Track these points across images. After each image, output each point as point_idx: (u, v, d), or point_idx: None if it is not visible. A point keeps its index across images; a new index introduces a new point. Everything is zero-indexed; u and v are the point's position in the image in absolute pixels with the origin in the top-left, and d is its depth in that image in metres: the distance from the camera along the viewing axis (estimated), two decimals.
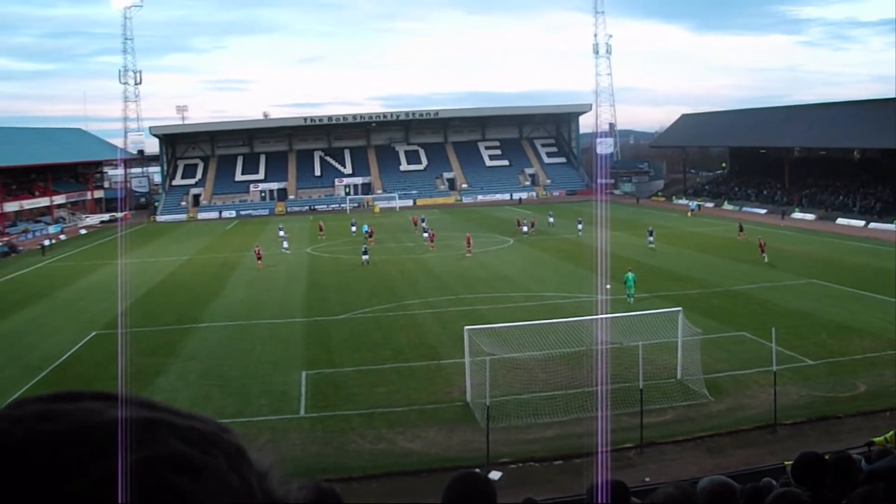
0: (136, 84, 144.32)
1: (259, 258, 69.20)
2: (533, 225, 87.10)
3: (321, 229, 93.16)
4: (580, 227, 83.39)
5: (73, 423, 1.08)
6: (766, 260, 61.72)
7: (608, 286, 46.96)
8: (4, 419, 1.09)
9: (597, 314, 37.12)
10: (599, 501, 6.05)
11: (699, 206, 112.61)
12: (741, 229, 76.25)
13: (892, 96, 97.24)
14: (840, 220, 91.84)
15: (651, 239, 71.81)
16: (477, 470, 19.16)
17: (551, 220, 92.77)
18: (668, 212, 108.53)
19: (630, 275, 48.77)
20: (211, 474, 1.09)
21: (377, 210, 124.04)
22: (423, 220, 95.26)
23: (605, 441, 23.14)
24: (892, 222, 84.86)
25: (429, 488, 22.40)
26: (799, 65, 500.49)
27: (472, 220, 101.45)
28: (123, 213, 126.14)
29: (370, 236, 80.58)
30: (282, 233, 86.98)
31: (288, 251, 77.18)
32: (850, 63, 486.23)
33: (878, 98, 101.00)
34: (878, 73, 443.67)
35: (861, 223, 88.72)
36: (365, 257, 67.55)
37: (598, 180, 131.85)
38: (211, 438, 1.16)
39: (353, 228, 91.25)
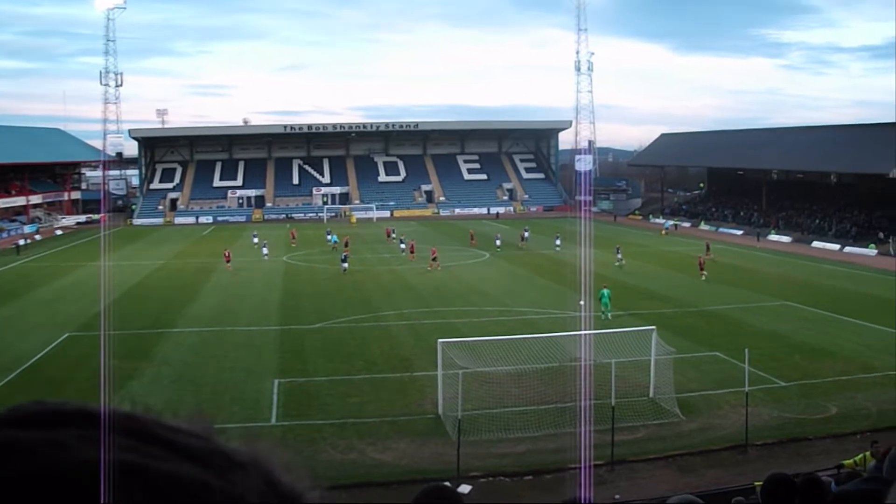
0: (116, 86, 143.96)
1: (228, 261, 70.61)
2: (523, 238, 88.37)
3: (293, 237, 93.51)
4: (558, 243, 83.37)
5: (29, 465, 0.93)
6: (703, 278, 63.27)
7: (581, 302, 47.06)
8: None
9: (571, 331, 37.18)
10: None
11: (675, 225, 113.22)
12: (708, 249, 76.42)
13: (871, 121, 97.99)
14: (816, 244, 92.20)
15: (619, 256, 72.06)
16: (446, 483, 19.17)
17: (527, 234, 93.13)
18: (645, 230, 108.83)
19: (605, 291, 49.10)
20: None
21: (354, 220, 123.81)
22: (392, 232, 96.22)
23: (588, 457, 23.21)
24: (867, 246, 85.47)
25: (398, 500, 22.38)
26: (779, 88, 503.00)
27: (448, 234, 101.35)
28: (100, 216, 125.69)
29: (346, 245, 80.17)
30: (256, 240, 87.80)
31: (267, 258, 77.40)
32: (829, 88, 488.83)
33: (857, 123, 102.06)
34: (857, 98, 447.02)
35: (836, 247, 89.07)
36: (344, 265, 67.86)
37: (581, 197, 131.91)
38: (196, 492, 0.97)
39: (329, 237, 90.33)
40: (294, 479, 1.07)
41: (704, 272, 64.14)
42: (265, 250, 79.89)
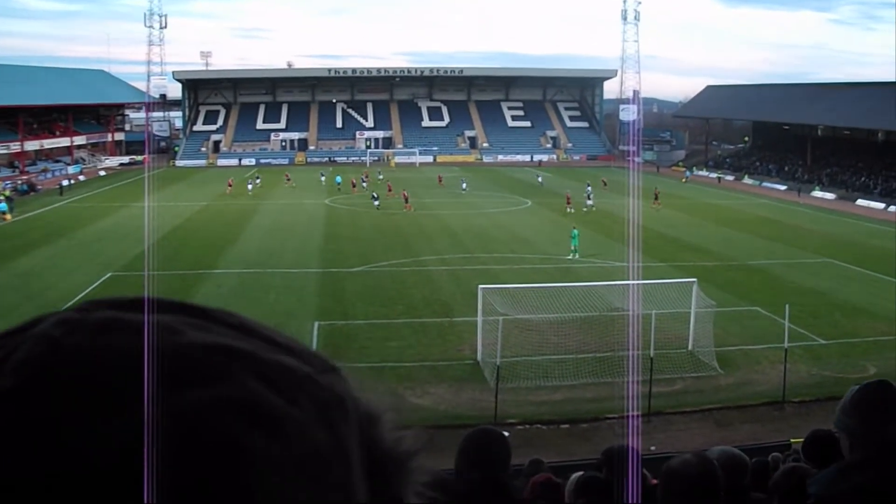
0: (161, 28, 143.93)
1: (230, 185, 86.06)
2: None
3: (287, 179, 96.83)
4: (590, 200, 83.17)
5: (136, 342, 0.88)
6: (570, 211, 69.92)
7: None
8: (64, 323, 0.91)
9: (612, 280, 37.14)
10: (630, 465, 6.12)
11: (719, 178, 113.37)
12: (657, 198, 76.98)
13: None
14: (860, 202, 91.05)
15: (590, 202, 74.33)
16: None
17: (540, 180, 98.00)
18: (689, 183, 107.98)
19: (575, 231, 51.38)
20: (290, 429, 0.88)
21: (393, 164, 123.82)
22: (379, 175, 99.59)
23: (636, 406, 23.27)
24: None
25: (436, 445, 22.47)
26: (827, 43, 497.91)
27: (492, 179, 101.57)
28: (143, 157, 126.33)
29: (353, 187, 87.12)
30: (256, 181, 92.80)
31: (251, 192, 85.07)
32: (879, 44, 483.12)
33: None
34: None
35: (881, 205, 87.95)
36: (376, 202, 72.84)
37: (625, 147, 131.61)
38: (302, 382, 0.94)
39: (332, 178, 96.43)
40: (372, 400, 1.05)
41: (570, 207, 70.82)
42: (249, 186, 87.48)
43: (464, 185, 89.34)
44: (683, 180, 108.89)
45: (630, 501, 5.11)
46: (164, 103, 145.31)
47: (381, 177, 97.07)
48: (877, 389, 3.82)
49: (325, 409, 0.95)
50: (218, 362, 0.90)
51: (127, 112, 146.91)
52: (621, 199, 76.01)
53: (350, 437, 0.96)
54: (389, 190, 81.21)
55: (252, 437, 0.85)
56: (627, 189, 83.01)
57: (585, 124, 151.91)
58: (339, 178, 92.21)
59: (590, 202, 73.49)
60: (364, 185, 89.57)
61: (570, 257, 49.97)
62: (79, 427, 0.81)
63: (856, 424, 3.78)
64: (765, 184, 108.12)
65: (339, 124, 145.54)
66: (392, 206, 73.08)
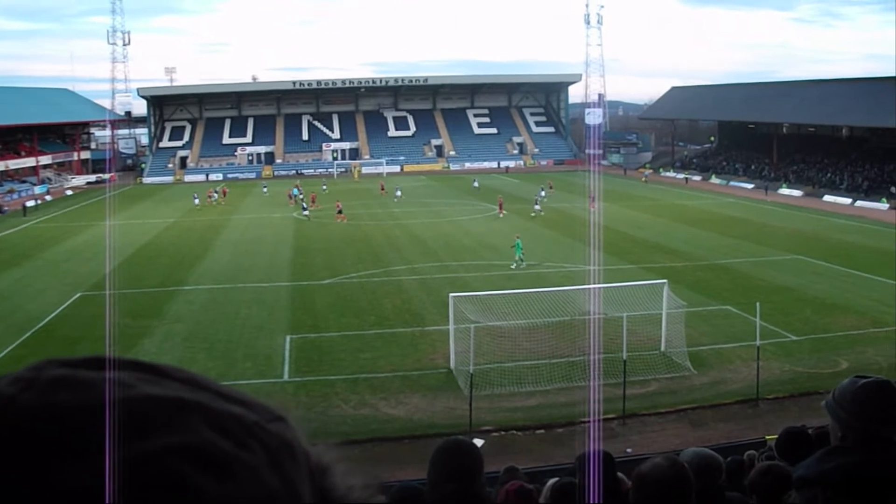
0: (124, 45, 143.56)
1: (210, 196, 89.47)
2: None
3: (224, 194, 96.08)
4: (539, 205, 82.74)
5: (90, 396, 0.93)
6: (501, 216, 72.42)
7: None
8: (18, 381, 0.95)
9: (582, 284, 37.15)
10: (590, 470, 6.09)
11: (686, 178, 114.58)
12: (593, 200, 76.85)
13: (882, 75, 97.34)
14: (827, 198, 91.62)
15: (537, 208, 74.93)
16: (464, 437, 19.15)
17: (476, 185, 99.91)
18: (655, 184, 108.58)
19: (518, 241, 50.58)
20: (242, 472, 0.93)
21: (357, 175, 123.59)
22: (323, 187, 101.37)
23: (598, 410, 23.28)
24: (879, 201, 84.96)
25: (411, 454, 22.42)
26: (790, 41, 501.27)
27: (458, 187, 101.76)
28: (110, 175, 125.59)
29: (290, 199, 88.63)
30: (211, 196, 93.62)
31: (197, 206, 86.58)
32: (840, 41, 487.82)
33: (868, 77, 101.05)
34: (868, 51, 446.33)
35: (848, 201, 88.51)
36: (305, 213, 75.58)
37: (591, 151, 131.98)
38: (252, 429, 0.99)
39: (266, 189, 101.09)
40: (321, 450, 1.09)
41: (503, 211, 73.09)
42: (196, 200, 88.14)
43: (398, 194, 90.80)
44: (643, 180, 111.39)
45: None
46: (130, 120, 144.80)
47: (324, 188, 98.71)
48: (878, 389, 3.83)
49: (275, 454, 0.98)
50: (168, 413, 0.94)
51: (92, 130, 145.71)
52: (576, 202, 76.76)
53: (301, 481, 1.00)
54: (313, 201, 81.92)
55: (204, 480, 0.89)
56: (586, 192, 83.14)
57: (551, 129, 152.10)
58: (295, 191, 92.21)
59: (537, 206, 74.07)
60: (300, 195, 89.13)
61: (515, 266, 49.52)
62: (37, 478, 0.85)
63: (852, 419, 3.79)
64: (732, 183, 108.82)
65: (305, 137, 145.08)
66: (322, 217, 74.21)
